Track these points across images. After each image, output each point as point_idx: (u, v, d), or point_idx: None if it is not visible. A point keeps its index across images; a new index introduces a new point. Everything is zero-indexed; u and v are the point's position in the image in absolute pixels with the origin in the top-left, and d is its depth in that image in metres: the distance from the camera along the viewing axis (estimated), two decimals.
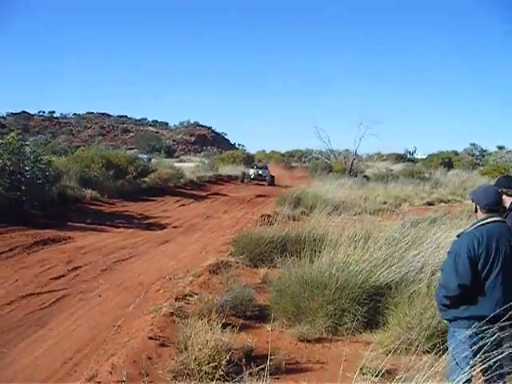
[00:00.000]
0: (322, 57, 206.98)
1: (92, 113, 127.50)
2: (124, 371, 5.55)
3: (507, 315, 4.41)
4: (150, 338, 6.69)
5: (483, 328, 4.39)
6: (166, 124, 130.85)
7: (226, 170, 47.57)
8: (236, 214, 22.73)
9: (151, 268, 11.32)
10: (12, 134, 19.27)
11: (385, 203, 25.88)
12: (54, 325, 7.68)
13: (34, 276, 10.14)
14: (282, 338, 7.32)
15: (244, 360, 6.03)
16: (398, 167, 56.04)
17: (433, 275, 7.89)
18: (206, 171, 42.78)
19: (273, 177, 45.56)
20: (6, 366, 6.21)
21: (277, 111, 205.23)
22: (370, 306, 7.59)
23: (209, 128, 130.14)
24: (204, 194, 31.80)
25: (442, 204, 28.27)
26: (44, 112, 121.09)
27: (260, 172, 45.71)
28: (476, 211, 4.92)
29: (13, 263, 11.07)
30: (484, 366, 4.24)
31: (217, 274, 10.22)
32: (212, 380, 5.48)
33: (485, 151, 74.25)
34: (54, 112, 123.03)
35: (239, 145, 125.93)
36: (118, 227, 17.26)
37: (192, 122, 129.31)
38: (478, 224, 4.76)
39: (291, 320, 7.70)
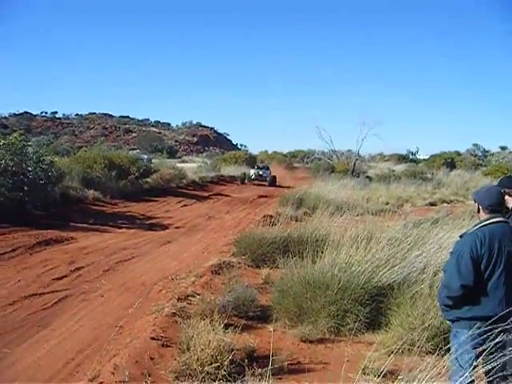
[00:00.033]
0: (324, 57, 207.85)
1: (94, 113, 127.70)
2: (126, 371, 5.55)
3: None
4: (153, 339, 6.69)
5: (486, 328, 4.40)
6: (169, 124, 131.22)
7: (229, 170, 47.49)
8: (238, 214, 22.73)
9: (153, 268, 11.32)
10: (14, 135, 19.30)
11: (387, 204, 25.92)
12: (56, 325, 7.68)
13: (36, 276, 10.15)
14: (285, 339, 7.32)
15: (246, 360, 6.04)
16: (400, 168, 56.01)
17: (435, 276, 7.89)
18: (208, 172, 42.78)
19: (274, 177, 44.67)
20: (9, 366, 6.21)
21: (279, 111, 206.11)
22: (373, 307, 7.58)
23: (211, 128, 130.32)
24: (206, 194, 31.80)
25: (445, 204, 28.24)
26: (46, 112, 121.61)
27: (261, 172, 44.82)
28: (478, 212, 4.92)
29: (15, 263, 11.08)
30: (487, 367, 4.24)
31: (219, 274, 10.22)
32: (214, 380, 5.49)
33: (487, 152, 74.32)
34: (56, 112, 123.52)
35: (241, 145, 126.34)
36: (121, 228, 17.25)
37: (194, 122, 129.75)
38: (481, 224, 4.75)
39: (293, 320, 7.70)
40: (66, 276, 10.34)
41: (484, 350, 4.27)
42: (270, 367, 4.88)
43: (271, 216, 16.33)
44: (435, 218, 13.28)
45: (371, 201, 26.17)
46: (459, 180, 41.43)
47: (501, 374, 4.27)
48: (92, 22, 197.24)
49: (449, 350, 4.81)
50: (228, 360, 5.68)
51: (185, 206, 25.39)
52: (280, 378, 5.83)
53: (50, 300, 8.81)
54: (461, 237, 4.88)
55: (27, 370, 6.12)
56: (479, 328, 4.46)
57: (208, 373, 5.57)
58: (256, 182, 43.42)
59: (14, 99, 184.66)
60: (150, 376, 5.62)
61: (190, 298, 8.47)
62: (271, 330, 7.12)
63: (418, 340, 6.19)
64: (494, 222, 4.70)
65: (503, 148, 71.13)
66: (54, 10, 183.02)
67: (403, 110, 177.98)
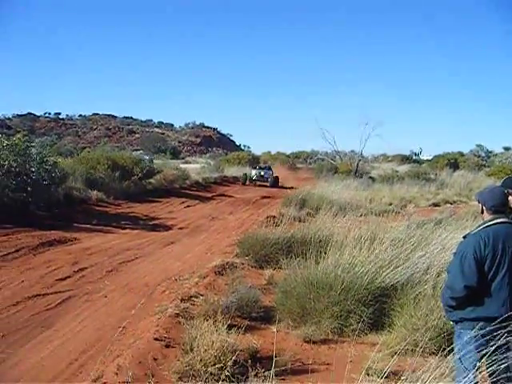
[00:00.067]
0: (326, 57, 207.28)
1: (98, 114, 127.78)
2: (130, 372, 5.56)
3: None
4: (156, 339, 6.70)
5: (491, 328, 4.39)
6: (172, 125, 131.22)
7: (232, 171, 47.36)
8: (241, 215, 22.73)
9: (157, 269, 11.33)
10: (18, 136, 19.39)
11: (390, 204, 25.91)
12: (59, 326, 7.69)
13: (39, 277, 10.16)
14: (288, 339, 7.32)
15: (249, 361, 6.04)
16: (403, 168, 55.99)
17: (438, 276, 7.89)
18: (211, 172, 42.72)
19: (276, 178, 43.54)
20: (12, 367, 6.22)
21: (282, 112, 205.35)
22: (376, 308, 7.58)
23: (214, 129, 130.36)
24: (209, 195, 31.78)
25: (448, 205, 28.21)
26: (50, 113, 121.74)
27: (262, 173, 43.45)
28: (482, 212, 4.91)
29: (19, 264, 11.08)
30: (491, 368, 4.23)
31: (222, 275, 10.23)
32: (218, 381, 5.49)
33: (491, 152, 74.24)
34: (59, 113, 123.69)
35: (245, 146, 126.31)
36: (124, 228, 17.26)
37: (197, 123, 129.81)
38: (484, 225, 4.75)
39: (297, 321, 7.70)
40: (69, 277, 10.35)
41: (488, 351, 4.27)
42: (273, 368, 4.88)
43: (274, 217, 16.33)
44: (438, 219, 13.30)
45: (374, 201, 26.24)
46: (462, 181, 41.36)
47: (505, 375, 4.26)
48: (94, 23, 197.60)
49: (452, 350, 4.81)
50: (231, 361, 5.68)
51: (188, 206, 25.38)
52: (283, 379, 5.83)
53: (53, 301, 8.82)
54: (464, 237, 4.88)
55: (31, 370, 6.13)
56: (483, 328, 4.46)
57: (211, 373, 5.57)
58: (258, 183, 42.40)
59: (18, 100, 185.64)
60: (153, 377, 5.63)
61: (193, 298, 8.48)
62: (274, 330, 7.11)
63: (422, 341, 6.19)
64: (497, 223, 4.70)
65: (507, 149, 71.03)
66: (54, 10, 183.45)
67: (406, 111, 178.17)
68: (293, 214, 16.70)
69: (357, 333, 7.02)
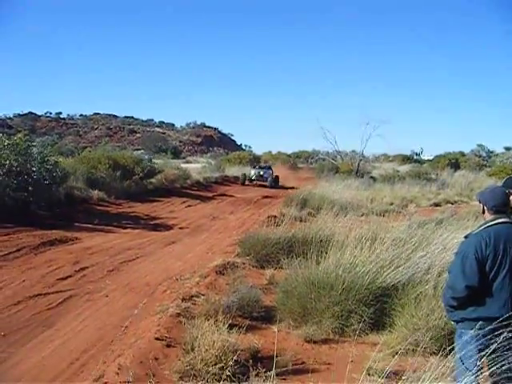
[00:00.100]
0: (327, 56, 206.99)
1: (99, 114, 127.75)
2: (131, 372, 5.57)
3: None
4: (157, 339, 6.70)
5: (491, 328, 4.39)
6: (173, 125, 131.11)
7: (233, 171, 47.16)
8: (242, 214, 22.73)
9: (158, 269, 11.34)
10: (19, 135, 19.41)
11: (391, 204, 25.91)
12: (61, 325, 7.70)
13: (41, 276, 10.17)
14: (289, 339, 7.32)
15: (250, 361, 6.05)
16: (404, 168, 55.92)
17: (439, 276, 7.88)
18: (212, 172, 42.62)
19: (277, 178, 42.58)
20: (14, 366, 6.23)
21: (283, 112, 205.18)
22: (377, 307, 7.58)
23: (215, 129, 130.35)
24: (210, 194, 31.79)
25: (449, 205, 28.15)
26: (51, 113, 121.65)
27: (261, 173, 42.20)
28: (483, 212, 4.91)
29: (20, 264, 11.10)
30: (492, 369, 4.23)
31: (223, 274, 10.23)
32: (219, 381, 5.49)
33: (492, 152, 74.17)
34: (60, 113, 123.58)
35: (246, 146, 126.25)
36: (125, 228, 17.27)
37: (198, 122, 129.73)
38: (486, 225, 4.75)
39: (298, 321, 7.70)
40: (70, 276, 10.36)
41: (489, 351, 4.27)
42: (274, 368, 4.88)
43: (275, 216, 16.29)
44: (440, 219, 13.30)
45: (375, 201, 26.25)
46: (463, 181, 41.32)
47: (506, 375, 4.26)
48: (94, 23, 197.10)
49: (453, 350, 4.81)
50: (232, 360, 5.68)
51: (189, 206, 25.39)
52: (284, 379, 5.83)
53: (54, 300, 8.83)
54: (466, 237, 4.88)
55: (32, 369, 6.14)
56: (484, 328, 4.46)
57: (212, 373, 5.57)
58: (258, 183, 41.44)
59: (19, 100, 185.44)
60: (154, 376, 5.64)
61: (194, 298, 8.48)
62: (275, 330, 7.11)
63: (423, 341, 6.19)
64: (499, 223, 4.70)
65: (508, 148, 70.97)
66: (56, 11, 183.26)
67: (407, 111, 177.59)
68: (294, 213, 16.72)
69: (358, 333, 7.03)
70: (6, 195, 16.05)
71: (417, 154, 78.04)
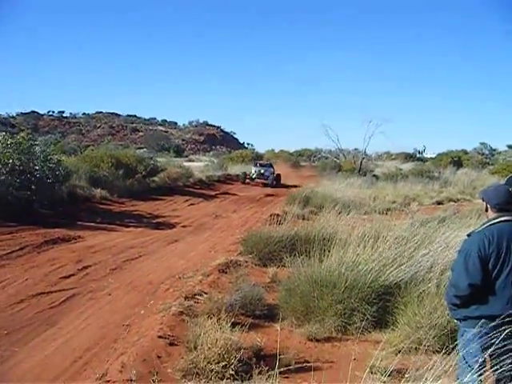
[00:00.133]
0: (330, 55, 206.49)
1: (101, 112, 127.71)
2: (134, 370, 5.57)
3: None
4: (160, 337, 6.71)
5: (493, 326, 4.39)
6: (175, 123, 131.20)
7: (235, 169, 47.08)
8: (245, 213, 22.74)
9: (160, 267, 11.34)
10: (22, 134, 19.39)
11: (394, 202, 25.90)
12: (63, 323, 7.71)
13: (44, 275, 10.18)
14: (292, 338, 7.33)
15: (253, 359, 6.05)
16: (407, 166, 55.82)
17: (442, 274, 7.87)
18: (215, 170, 42.61)
19: (278, 176, 41.51)
20: (17, 364, 6.24)
21: (286, 110, 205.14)
22: (380, 306, 7.57)
23: (218, 127, 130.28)
24: (213, 193, 31.80)
25: (452, 203, 28.16)
26: (53, 112, 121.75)
27: (262, 171, 40.80)
28: (486, 210, 4.91)
29: (23, 262, 11.11)
30: (496, 367, 4.23)
31: (226, 273, 10.24)
32: (221, 379, 5.50)
33: (494, 150, 74.12)
34: (63, 112, 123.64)
35: (248, 144, 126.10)
36: (128, 226, 17.28)
37: (201, 121, 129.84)
38: (489, 223, 4.74)
39: (300, 319, 7.70)
40: (73, 275, 10.37)
41: (492, 349, 4.27)
42: (277, 366, 4.88)
43: (278, 215, 16.29)
44: (442, 217, 13.29)
45: (378, 199, 26.21)
46: (466, 179, 41.29)
47: (509, 373, 4.26)
48: (99, 22, 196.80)
49: (456, 348, 4.81)
50: (235, 359, 5.68)
51: (192, 204, 25.39)
52: (287, 377, 5.83)
53: (57, 299, 8.84)
54: (469, 235, 4.87)
55: (35, 367, 6.15)
56: (487, 326, 4.46)
57: (215, 371, 5.58)
58: (259, 182, 40.33)
59: (21, 98, 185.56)
60: (157, 374, 5.63)
61: (197, 296, 8.49)
62: (278, 328, 7.12)
63: (425, 339, 6.20)
64: (502, 221, 4.69)
65: (510, 147, 70.98)
66: (61, 10, 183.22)
67: (410, 109, 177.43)
68: (296, 211, 16.76)
69: (360, 331, 7.02)
70: (9, 194, 16.07)
71: (419, 152, 77.89)
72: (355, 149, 58.90)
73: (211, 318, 6.65)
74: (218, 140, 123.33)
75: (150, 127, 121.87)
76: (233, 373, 5.56)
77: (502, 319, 4.39)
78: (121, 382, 5.40)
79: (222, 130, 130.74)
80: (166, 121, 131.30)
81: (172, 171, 33.20)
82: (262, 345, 6.62)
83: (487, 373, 4.44)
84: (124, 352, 6.36)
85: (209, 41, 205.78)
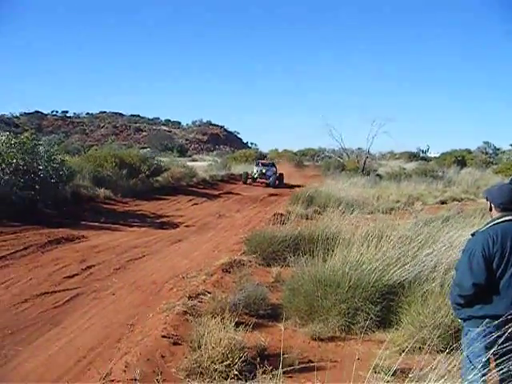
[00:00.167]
0: (333, 55, 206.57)
1: (105, 112, 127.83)
2: (137, 369, 5.57)
3: None
4: (164, 337, 6.71)
5: (497, 325, 4.38)
6: (179, 123, 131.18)
7: (239, 169, 46.96)
8: (249, 212, 22.74)
9: (164, 267, 11.35)
10: (26, 134, 19.42)
11: (398, 202, 25.79)
12: (67, 323, 7.72)
13: (47, 275, 10.19)
14: (295, 337, 7.32)
15: (257, 359, 6.05)
16: (410, 166, 55.83)
17: (446, 274, 7.87)
18: (218, 170, 42.59)
19: (281, 176, 40.03)
20: (21, 364, 6.24)
21: (289, 109, 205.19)
22: (383, 305, 7.57)
23: (221, 127, 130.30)
24: (217, 192, 31.81)
25: (455, 202, 28.09)
26: (57, 112, 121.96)
27: (264, 171, 39.16)
28: (490, 210, 4.89)
29: (27, 262, 11.12)
30: (500, 367, 4.22)
31: (230, 272, 10.23)
32: (225, 378, 5.50)
33: (498, 149, 73.98)
34: (67, 112, 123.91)
35: (252, 144, 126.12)
36: (131, 226, 17.30)
37: (204, 121, 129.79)
38: (493, 223, 4.73)
39: (304, 319, 7.70)
40: (77, 274, 10.38)
41: (496, 349, 4.26)
42: (280, 365, 4.88)
43: (282, 214, 16.27)
44: (446, 216, 13.27)
45: (382, 199, 26.21)
46: (470, 178, 41.18)
47: None
48: (102, 22, 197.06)
49: (460, 348, 4.81)
50: (239, 358, 5.68)
51: (195, 204, 25.41)
52: (291, 377, 5.83)
53: (61, 298, 8.85)
54: (473, 235, 4.86)
55: (39, 367, 6.16)
56: (491, 327, 4.45)
57: (219, 371, 5.58)
58: (261, 182, 38.89)
59: (25, 98, 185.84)
60: (161, 374, 5.64)
61: (200, 296, 8.49)
62: (282, 328, 7.10)
63: (429, 338, 6.19)
64: (506, 221, 4.67)
65: None
66: (64, 9, 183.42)
67: (414, 109, 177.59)
68: (300, 211, 16.74)
69: (364, 330, 7.03)
70: (13, 194, 16.09)
71: (423, 152, 77.90)
72: (359, 148, 58.83)
73: (215, 318, 6.66)
74: (221, 140, 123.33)
75: (154, 127, 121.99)
76: (237, 372, 5.56)
77: (506, 318, 4.38)
78: (125, 381, 5.40)
79: (225, 130, 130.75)
80: (169, 120, 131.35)
81: (175, 171, 33.22)
82: (266, 344, 6.62)
83: (491, 372, 4.44)
84: (128, 351, 6.37)
85: (212, 41, 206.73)
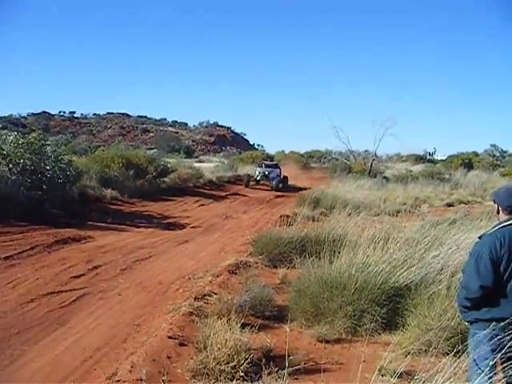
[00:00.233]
0: (340, 57, 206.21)
1: (112, 113, 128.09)
2: (143, 370, 5.59)
3: None
4: (170, 337, 6.72)
5: (503, 328, 4.37)
6: (186, 124, 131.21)
7: (246, 170, 46.95)
8: (255, 214, 22.74)
9: (170, 267, 11.36)
10: (33, 134, 19.53)
11: (404, 204, 25.76)
12: (74, 323, 7.74)
13: (54, 275, 10.22)
14: (301, 339, 7.32)
15: (263, 360, 6.05)
16: (417, 168, 55.62)
17: (452, 276, 7.84)
18: (225, 171, 42.55)
19: (285, 178, 37.76)
20: (27, 363, 6.26)
21: (296, 111, 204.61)
22: (390, 307, 7.55)
23: (228, 128, 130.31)
24: (223, 194, 31.80)
25: (462, 205, 27.99)
26: (64, 112, 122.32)
27: (267, 172, 37.05)
28: (498, 212, 4.88)
29: (34, 262, 11.15)
30: (506, 370, 4.21)
31: (236, 274, 10.23)
32: (231, 380, 5.50)
33: (505, 152, 73.87)
34: (74, 112, 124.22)
35: (258, 145, 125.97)
36: (138, 227, 17.33)
37: (211, 122, 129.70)
38: (500, 225, 4.72)
39: (310, 320, 7.69)
40: (83, 274, 10.41)
41: (502, 352, 4.25)
42: (286, 367, 4.89)
43: (288, 216, 16.26)
44: (453, 219, 13.22)
45: (388, 201, 26.14)
46: (477, 181, 41.08)
47: None
48: (106, 22, 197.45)
49: (466, 350, 4.79)
50: (245, 359, 5.69)
51: (202, 205, 25.42)
52: (296, 378, 5.83)
53: (67, 298, 8.87)
54: (480, 238, 4.85)
55: (45, 367, 6.17)
56: (498, 330, 4.44)
57: (225, 372, 5.58)
58: (265, 183, 36.92)
59: (33, 99, 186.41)
60: (167, 374, 5.64)
61: (207, 297, 8.49)
62: (288, 329, 7.10)
63: (435, 341, 6.18)
64: None
65: None
66: (68, 9, 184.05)
67: (421, 111, 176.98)
68: (306, 213, 16.74)
69: (370, 332, 7.03)
70: (21, 194, 16.15)
71: (430, 154, 77.61)
72: (365, 150, 58.69)
73: (221, 319, 6.66)
74: (228, 141, 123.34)
75: (161, 128, 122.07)
76: (242, 373, 5.56)
77: None
78: (131, 381, 5.41)
79: (232, 131, 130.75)
80: (176, 122, 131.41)
81: (182, 172, 33.23)
82: (272, 346, 6.62)
83: (497, 375, 4.43)
84: (134, 352, 6.38)
85: (221, 41, 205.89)
